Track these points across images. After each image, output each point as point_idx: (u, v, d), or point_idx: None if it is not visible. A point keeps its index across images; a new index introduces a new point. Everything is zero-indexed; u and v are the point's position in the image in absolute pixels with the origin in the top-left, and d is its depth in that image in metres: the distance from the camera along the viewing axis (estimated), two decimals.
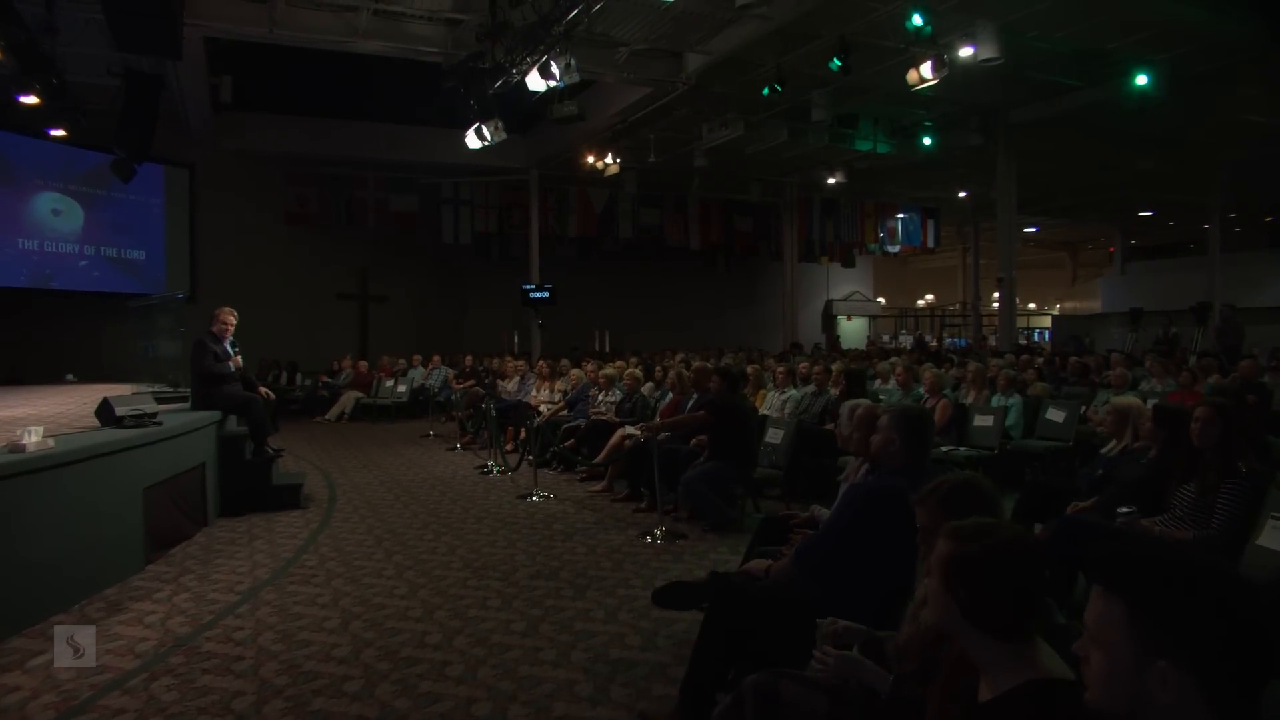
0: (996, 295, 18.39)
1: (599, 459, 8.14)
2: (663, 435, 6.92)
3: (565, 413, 10.09)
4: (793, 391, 8.76)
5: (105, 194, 15.09)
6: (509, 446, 10.12)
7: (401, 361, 16.36)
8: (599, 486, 7.97)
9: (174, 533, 5.91)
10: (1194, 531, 3.70)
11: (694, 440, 7.09)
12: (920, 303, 37.31)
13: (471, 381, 14.38)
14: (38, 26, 9.07)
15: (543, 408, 10.65)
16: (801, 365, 10.11)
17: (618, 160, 16.28)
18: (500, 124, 11.57)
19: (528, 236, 19.43)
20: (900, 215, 24.36)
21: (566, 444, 8.96)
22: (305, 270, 18.48)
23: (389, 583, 5.06)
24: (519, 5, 9.53)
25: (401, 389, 15.42)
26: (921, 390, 8.40)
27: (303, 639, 4.12)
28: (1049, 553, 4.01)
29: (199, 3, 10.05)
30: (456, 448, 11.06)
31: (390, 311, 19.68)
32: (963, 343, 26.62)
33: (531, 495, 7.64)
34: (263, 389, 7.84)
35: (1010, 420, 7.88)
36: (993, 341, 20.69)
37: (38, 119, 11.20)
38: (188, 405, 7.28)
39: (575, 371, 11.07)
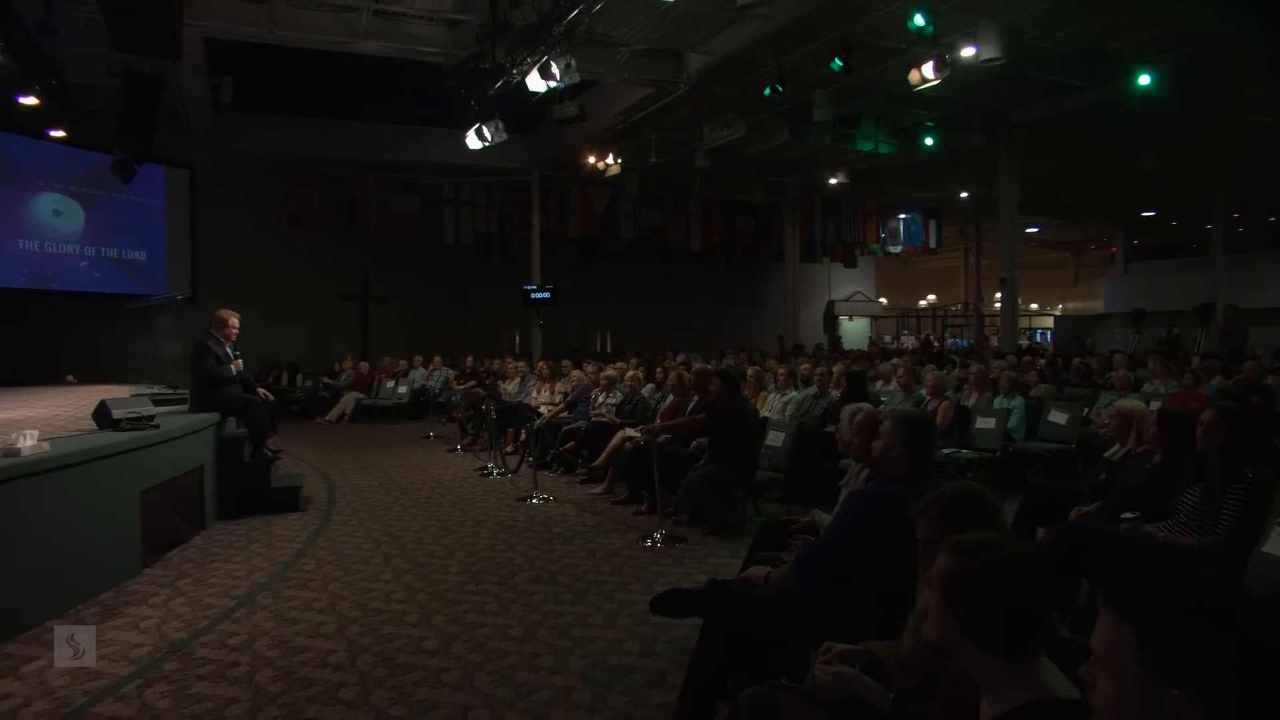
0: (999, 296, 18.34)
1: (599, 462, 8.11)
2: (663, 438, 6.88)
3: (566, 414, 10.05)
4: (794, 393, 8.72)
5: (106, 195, 15.07)
6: (509, 448, 10.09)
7: (402, 362, 16.34)
8: (599, 489, 7.94)
9: (171, 536, 5.88)
10: (1199, 538, 3.65)
11: (694, 443, 7.06)
12: (922, 303, 37.26)
13: (472, 383, 14.36)
14: (37, 27, 9.05)
15: (543, 409, 10.61)
16: (803, 367, 10.07)
17: (619, 160, 16.25)
18: (501, 124, 11.54)
19: (529, 237, 19.41)
20: (902, 215, 24.31)
21: (567, 446, 8.93)
22: (306, 271, 18.46)
23: (386, 587, 5.02)
24: (519, 5, 9.49)
25: (402, 390, 15.40)
26: (923, 392, 8.37)
27: (298, 644, 4.08)
28: (1052, 558, 3.97)
29: (199, 3, 10.04)
30: (457, 449, 11.03)
31: (391, 312, 19.66)
32: (965, 343, 26.57)
33: (531, 498, 7.61)
34: (261, 390, 7.80)
35: (1013, 422, 7.84)
36: (995, 342, 20.65)
37: (38, 120, 11.19)
38: (186, 407, 7.24)
39: (576, 373, 11.02)
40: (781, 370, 9.47)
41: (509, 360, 14.75)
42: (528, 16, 9.41)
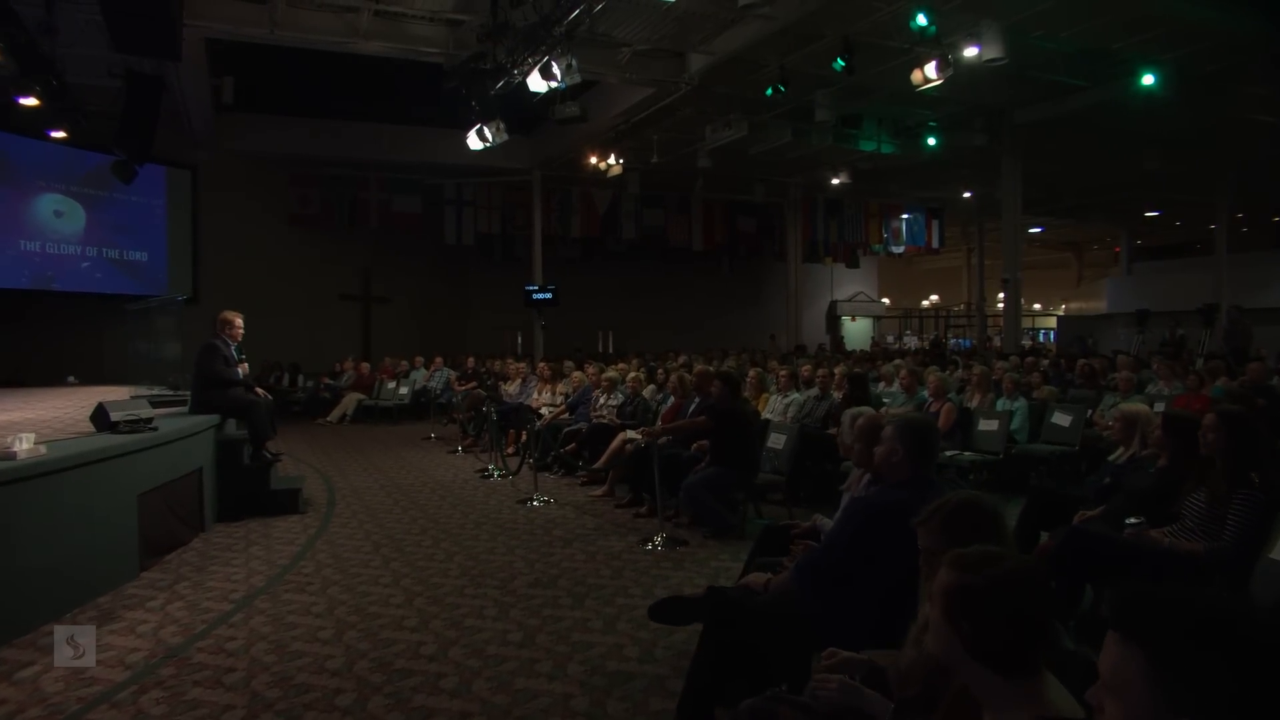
0: (1001, 296, 18.28)
1: (600, 464, 8.08)
2: (664, 440, 6.84)
3: (567, 416, 10.02)
4: (795, 395, 8.68)
5: (107, 195, 15.05)
6: (510, 450, 10.06)
7: (404, 363, 16.31)
8: (600, 491, 7.90)
9: (170, 539, 5.85)
10: (1205, 543, 3.62)
11: (695, 445, 7.02)
12: (925, 303, 37.20)
13: (473, 383, 14.33)
14: (38, 28, 9.03)
15: (544, 411, 10.58)
16: (804, 368, 10.03)
17: (621, 161, 16.21)
18: (502, 125, 11.52)
19: (530, 237, 19.36)
20: (905, 216, 24.26)
21: (567, 448, 8.89)
22: (308, 271, 18.44)
23: (385, 591, 4.99)
24: (520, 6, 9.47)
25: (403, 391, 15.37)
26: (925, 393, 8.33)
27: (296, 650, 4.06)
28: (1055, 564, 3.93)
29: (199, 3, 10.01)
30: (458, 451, 11.00)
31: (393, 313, 19.64)
32: (967, 344, 26.52)
33: (532, 500, 7.57)
34: (259, 390, 7.76)
35: (1015, 424, 7.80)
36: (997, 342, 20.59)
37: (38, 120, 11.18)
38: (186, 409, 7.22)
39: (577, 374, 10.99)
40: (783, 372, 9.43)
41: (510, 361, 14.72)
42: (528, 17, 9.38)
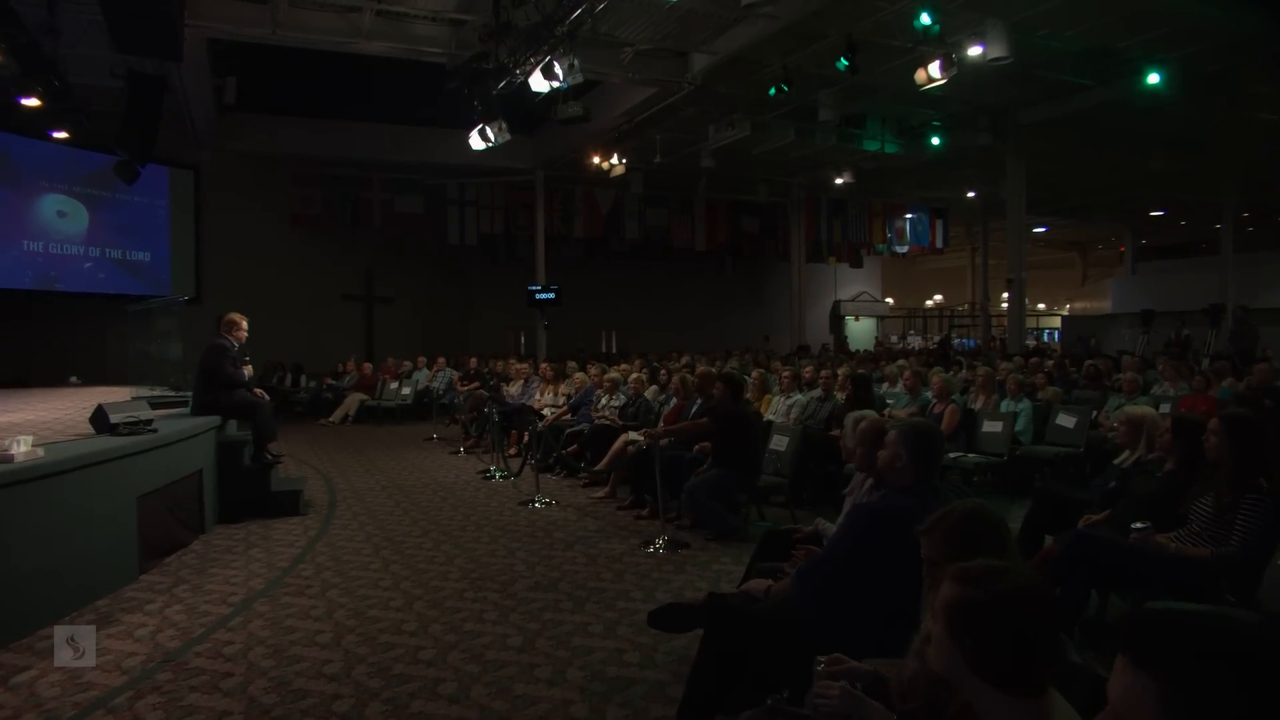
0: (1006, 296, 18.22)
1: (601, 465, 8.04)
2: (665, 441, 6.80)
3: (569, 417, 9.99)
4: (798, 396, 8.63)
5: (110, 195, 15.06)
6: (512, 451, 10.03)
7: (406, 364, 16.30)
8: (602, 493, 7.87)
9: (169, 541, 5.83)
10: (1212, 548, 3.57)
11: (697, 447, 6.99)
12: (929, 303, 37.12)
13: (476, 384, 14.31)
14: (40, 29, 9.03)
15: (546, 411, 10.55)
16: (806, 369, 9.98)
17: (624, 161, 16.19)
18: (504, 125, 11.49)
19: (533, 237, 19.34)
20: (908, 215, 24.21)
21: (569, 449, 8.86)
22: (310, 272, 18.44)
23: (385, 594, 4.96)
24: (522, 5, 9.44)
25: (406, 391, 15.35)
26: (929, 395, 8.29)
27: (294, 654, 4.03)
28: (1060, 568, 3.89)
29: (200, 4, 10.01)
30: (460, 451, 10.97)
31: (396, 313, 19.63)
32: (971, 343, 26.45)
33: (533, 502, 7.54)
34: (257, 390, 7.73)
35: (1020, 426, 7.75)
36: (1000, 342, 20.52)
37: (41, 121, 11.17)
38: (188, 410, 7.20)
39: (579, 375, 10.96)
40: (786, 373, 9.38)
41: (513, 362, 14.69)
42: (530, 16, 9.36)
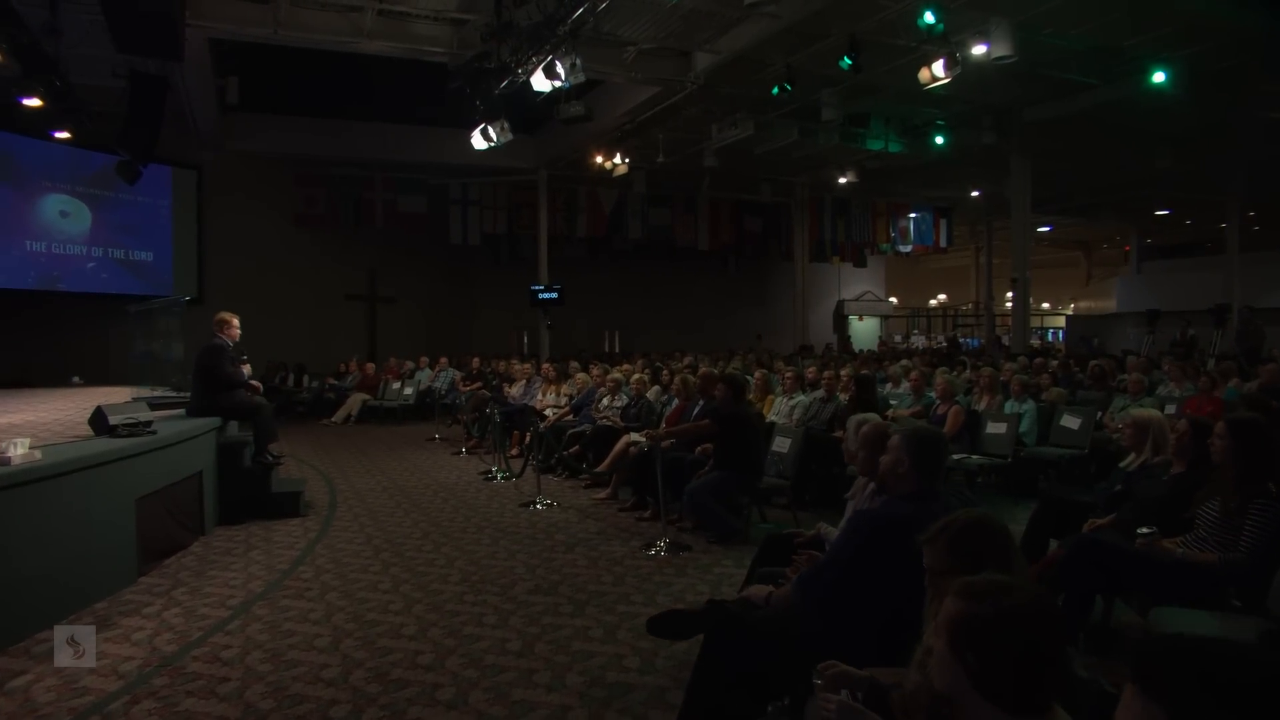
0: (1010, 295, 18.15)
1: (603, 467, 8.01)
2: (667, 443, 6.77)
3: (571, 417, 9.96)
4: (801, 397, 8.59)
5: (113, 195, 15.05)
6: (514, 451, 10.00)
7: (408, 364, 16.27)
8: (603, 494, 7.84)
9: (169, 543, 5.81)
10: (1220, 554, 3.52)
11: (699, 448, 6.95)
12: (933, 302, 37.03)
13: (478, 384, 14.28)
14: (41, 29, 9.01)
15: (548, 412, 10.52)
16: (809, 370, 9.94)
17: (627, 160, 16.16)
18: (506, 125, 11.45)
19: (536, 237, 19.29)
20: (912, 215, 24.13)
21: (571, 450, 8.82)
22: (313, 271, 18.42)
23: (384, 597, 4.94)
24: (524, 4, 9.40)
25: (408, 391, 15.32)
26: (933, 395, 8.24)
27: (292, 659, 4.00)
28: (1064, 573, 3.85)
29: (202, 4, 9.98)
30: (462, 452, 10.94)
31: (399, 313, 19.60)
32: (975, 343, 26.38)
33: (535, 503, 7.50)
34: (255, 383, 7.67)
35: (1024, 427, 7.70)
36: (1005, 341, 20.45)
37: (42, 121, 11.15)
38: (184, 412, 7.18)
39: (581, 375, 10.93)
40: (788, 373, 9.33)
41: (515, 362, 14.66)
42: (532, 16, 9.31)
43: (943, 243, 25.10)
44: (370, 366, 16.13)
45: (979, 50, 10.12)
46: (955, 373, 10.30)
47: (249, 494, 7.02)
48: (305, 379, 16.42)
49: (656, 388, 9.86)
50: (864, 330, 28.18)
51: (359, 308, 19.32)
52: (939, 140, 15.77)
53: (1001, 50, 10.11)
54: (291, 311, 17.63)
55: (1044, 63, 12.02)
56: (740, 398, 6.75)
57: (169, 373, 9.49)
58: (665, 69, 12.43)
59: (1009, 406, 8.00)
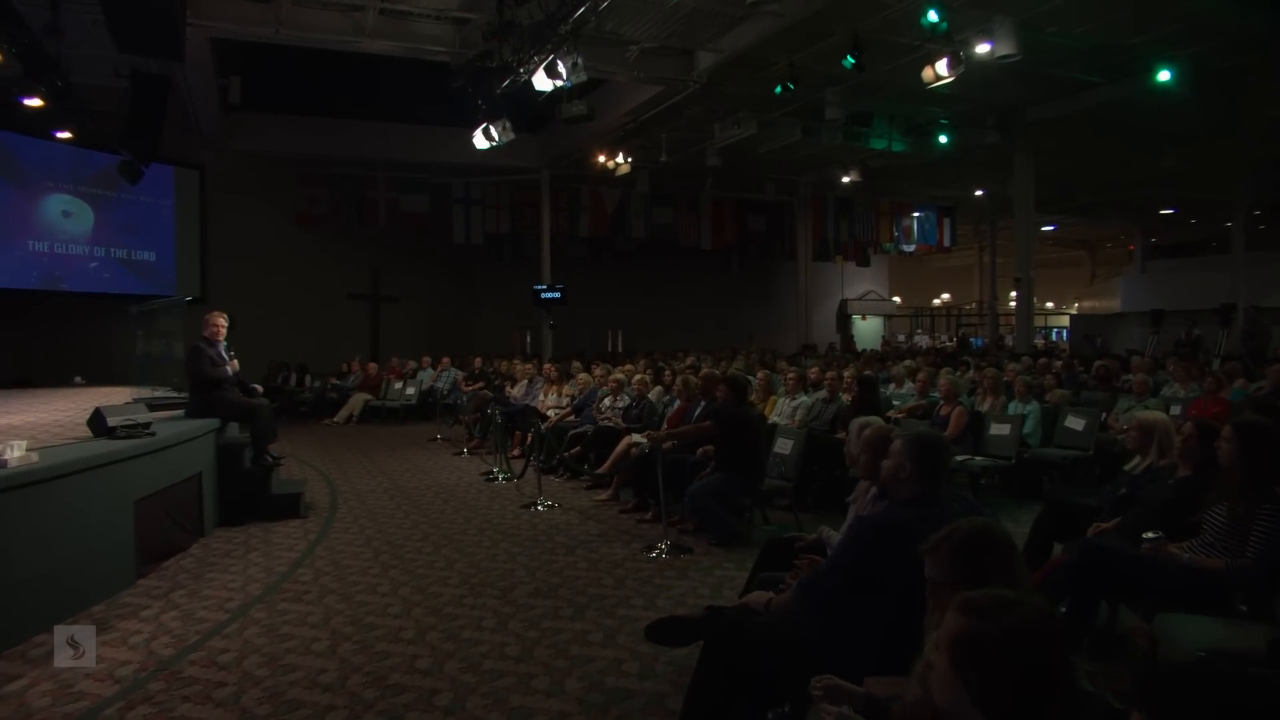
0: (1014, 294, 18.08)
1: (604, 468, 7.98)
2: (668, 444, 6.73)
3: (573, 418, 9.92)
4: (803, 398, 8.55)
5: (115, 195, 15.04)
6: (515, 452, 9.97)
7: (410, 363, 16.25)
8: (604, 495, 7.81)
9: (168, 545, 5.79)
10: (1226, 559, 3.48)
11: (701, 450, 6.91)
12: (936, 302, 36.94)
13: (480, 384, 14.25)
14: (42, 29, 9.00)
15: (550, 412, 10.49)
16: (812, 370, 9.89)
17: (629, 159, 16.13)
18: (508, 124, 11.42)
19: (539, 236, 19.26)
20: (916, 214, 24.07)
21: (573, 451, 8.79)
22: (316, 271, 18.41)
23: (383, 600, 4.91)
24: (526, 3, 9.37)
25: (410, 391, 15.30)
26: (936, 395, 8.20)
27: (289, 663, 3.97)
28: (1069, 578, 3.81)
29: (204, 3, 9.97)
30: (464, 453, 10.91)
31: (401, 312, 19.58)
32: (979, 342, 26.30)
33: (535, 504, 7.47)
34: (255, 386, 7.66)
35: (1028, 428, 7.66)
36: (1009, 341, 20.38)
37: (44, 121, 11.14)
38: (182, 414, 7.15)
39: (583, 376, 10.89)
40: (791, 374, 9.29)
41: (517, 362, 14.63)
42: (534, 15, 9.29)
43: (946, 242, 25.04)
44: (372, 366, 16.11)
45: (982, 49, 10.08)
46: (959, 373, 10.26)
47: (249, 495, 6.99)
48: (307, 379, 16.41)
49: (659, 388, 9.83)
50: (867, 330, 28.11)
51: (361, 307, 19.31)
52: (942, 139, 15.72)
53: (1005, 49, 10.07)
54: (294, 311, 17.62)
55: (1048, 61, 11.96)
56: (742, 399, 6.70)
57: (170, 373, 9.47)
58: (668, 68, 12.40)
59: (1013, 407, 7.95)
